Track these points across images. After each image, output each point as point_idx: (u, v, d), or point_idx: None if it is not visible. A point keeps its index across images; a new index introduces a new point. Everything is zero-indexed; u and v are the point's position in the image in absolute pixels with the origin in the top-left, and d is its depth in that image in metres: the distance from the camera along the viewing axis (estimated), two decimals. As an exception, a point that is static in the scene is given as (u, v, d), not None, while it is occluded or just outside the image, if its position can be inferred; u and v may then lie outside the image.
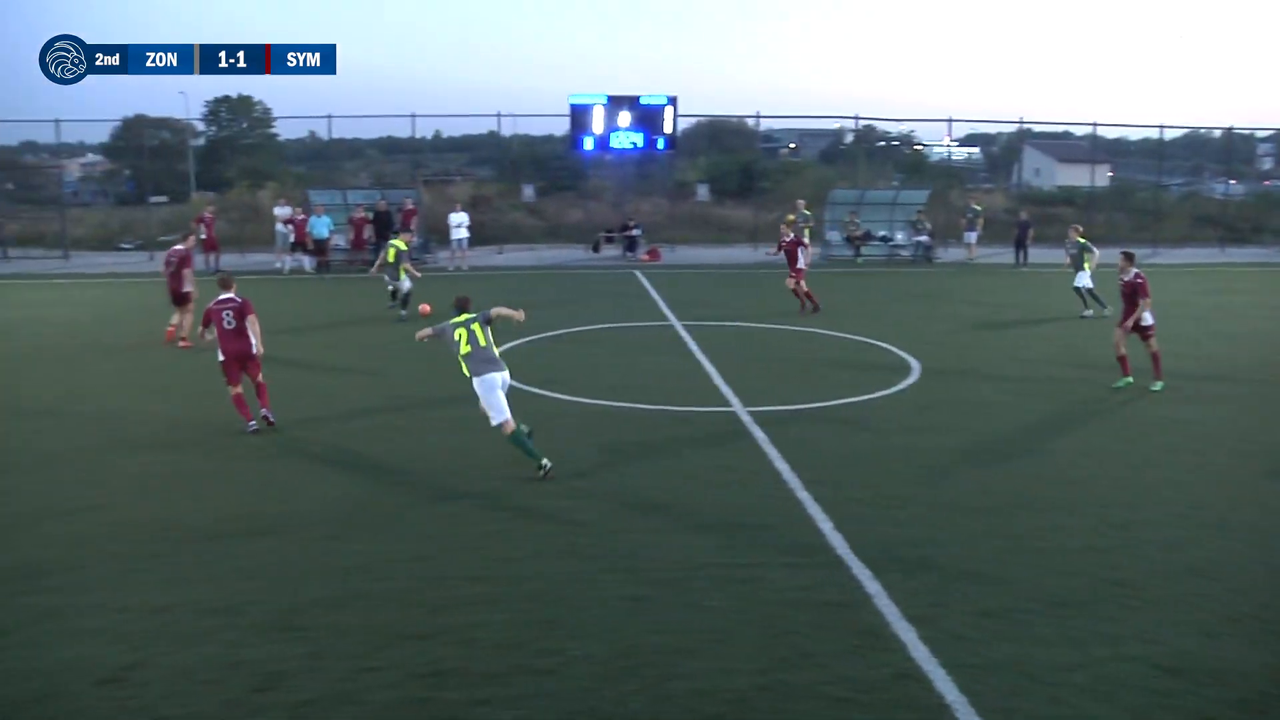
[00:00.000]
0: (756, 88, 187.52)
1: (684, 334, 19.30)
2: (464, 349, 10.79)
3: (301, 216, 30.23)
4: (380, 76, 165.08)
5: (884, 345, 18.13)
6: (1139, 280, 14.76)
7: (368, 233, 29.95)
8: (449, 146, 67.34)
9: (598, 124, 33.84)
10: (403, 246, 21.41)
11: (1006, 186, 52.59)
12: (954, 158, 54.97)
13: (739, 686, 6.37)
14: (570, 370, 15.97)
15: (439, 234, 32.67)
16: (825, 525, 9.13)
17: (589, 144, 34.39)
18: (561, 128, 36.60)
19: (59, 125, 37.42)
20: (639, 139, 34.14)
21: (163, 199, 41.26)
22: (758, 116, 43.52)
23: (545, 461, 10.53)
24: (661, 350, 17.88)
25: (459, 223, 30.50)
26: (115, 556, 8.61)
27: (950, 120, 44.66)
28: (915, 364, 16.47)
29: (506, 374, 10.93)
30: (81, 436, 12.44)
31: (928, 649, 6.78)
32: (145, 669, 6.68)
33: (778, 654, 6.79)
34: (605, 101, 33.81)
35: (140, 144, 46.22)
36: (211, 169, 52.53)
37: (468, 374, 10.83)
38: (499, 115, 43.78)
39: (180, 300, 18.35)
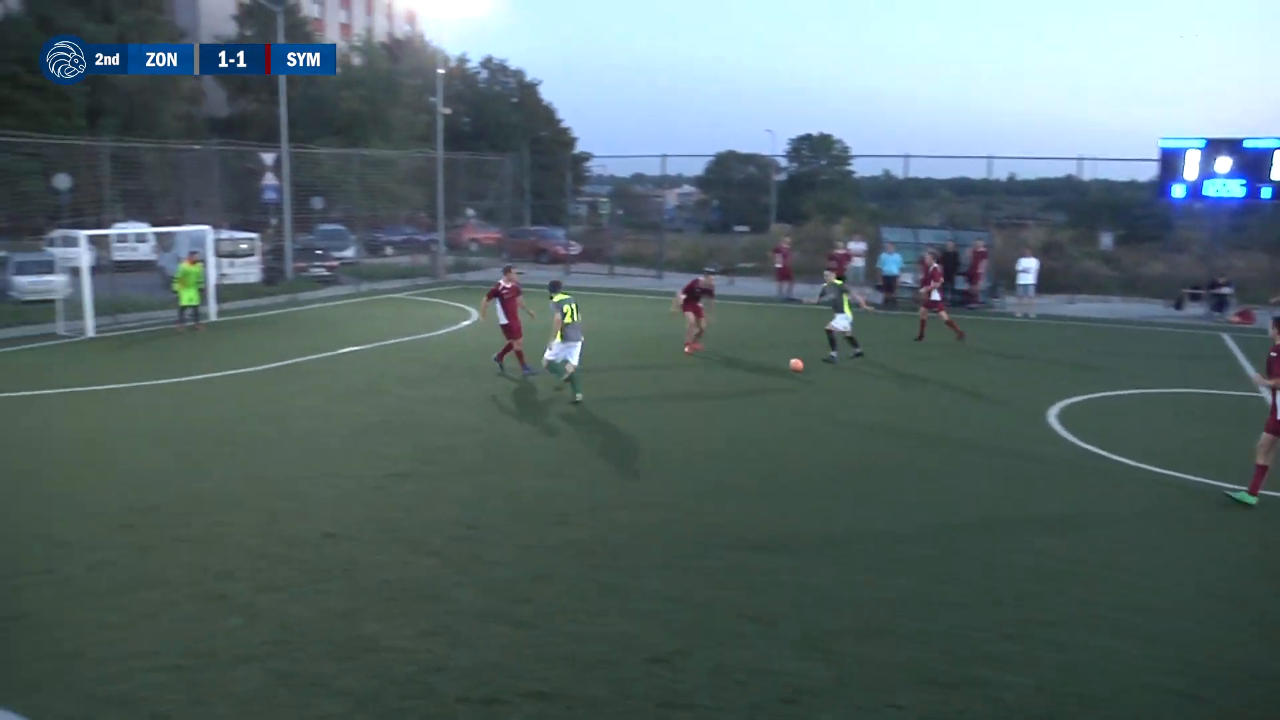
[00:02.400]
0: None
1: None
2: (567, 320, 16.05)
3: (841, 252, 31.19)
4: (958, 118, 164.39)
5: None
6: None
7: (935, 273, 30.05)
8: (1023, 189, 65.17)
9: (1190, 169, 30.83)
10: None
11: None
12: None
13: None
14: (1137, 434, 14.83)
15: (1007, 279, 31.89)
16: None
17: (1179, 191, 31.49)
18: (1147, 172, 33.96)
19: (665, 160, 41.87)
20: (1239, 187, 30.69)
21: (745, 228, 44.53)
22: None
23: (580, 396, 15.85)
24: (1248, 422, 15.98)
25: (1026, 268, 29.58)
26: (669, 548, 9.56)
27: None
28: None
29: (582, 341, 16.38)
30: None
31: None
32: (686, 658, 7.37)
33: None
34: (1202, 145, 30.84)
35: (729, 177, 50.11)
36: (790, 202, 55.64)
37: (560, 337, 16.00)
38: (1079, 159, 41.75)
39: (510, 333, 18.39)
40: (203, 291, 24.57)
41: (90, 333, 23.10)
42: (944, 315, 23.32)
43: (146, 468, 12.33)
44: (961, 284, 30.37)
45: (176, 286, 23.70)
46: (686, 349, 20.86)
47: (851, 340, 20.28)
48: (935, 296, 23.33)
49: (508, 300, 18.22)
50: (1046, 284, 31.85)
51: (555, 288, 16.97)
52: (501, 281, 18.47)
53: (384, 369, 18.99)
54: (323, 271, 35.81)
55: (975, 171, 50.49)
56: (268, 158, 34.93)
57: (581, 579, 8.85)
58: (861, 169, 75.29)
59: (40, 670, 7.15)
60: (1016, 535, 10.29)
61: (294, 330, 24.61)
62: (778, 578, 8.92)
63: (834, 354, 19.96)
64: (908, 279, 30.90)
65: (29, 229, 37.69)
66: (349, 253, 39.79)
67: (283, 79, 34.63)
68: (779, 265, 32.30)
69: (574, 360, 16.26)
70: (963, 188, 56.26)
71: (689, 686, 6.98)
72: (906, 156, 37.69)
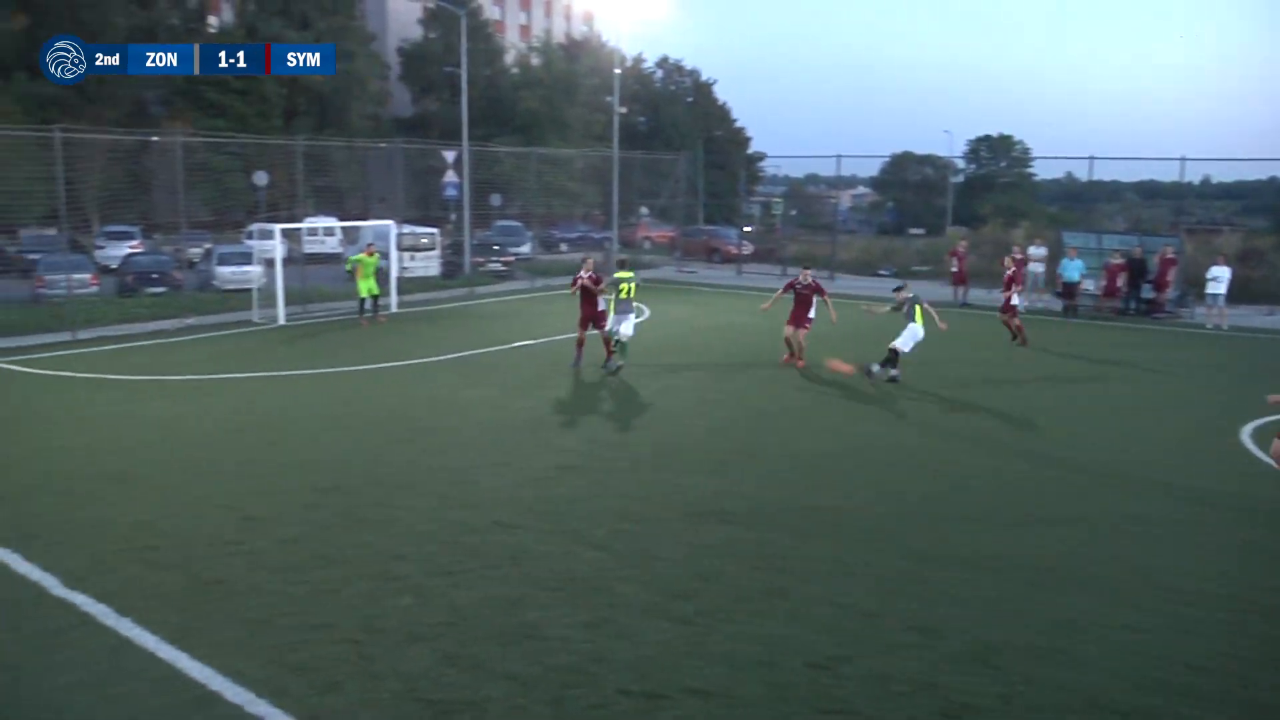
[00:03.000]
0: None
1: None
2: (622, 295, 18.42)
3: (1019, 257, 30.00)
4: (1147, 117, 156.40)
5: None
6: None
7: (1121, 280, 28.72)
8: (1218, 193, 61.55)
9: None
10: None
11: None
12: None
13: None
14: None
15: (1197, 287, 30.15)
16: None
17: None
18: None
19: (839, 160, 41.38)
20: None
21: (920, 231, 43.53)
22: None
23: (620, 364, 18.20)
24: None
25: (1217, 276, 27.80)
26: (834, 553, 9.42)
27: None
28: None
29: (633, 316, 18.95)
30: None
31: None
32: (848, 664, 7.25)
33: None
34: None
35: (904, 178, 49.15)
36: (967, 205, 54.14)
37: (613, 311, 18.45)
38: (1286, 160, 39.04)
39: (590, 322, 18.55)
40: (382, 281, 25.61)
41: (281, 320, 24.44)
42: (1015, 321, 22.48)
43: (329, 450, 12.94)
44: (1148, 292, 28.89)
45: (351, 272, 24.84)
46: (783, 359, 19.40)
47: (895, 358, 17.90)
48: (1015, 301, 22.50)
49: (587, 290, 18.43)
50: (1242, 294, 29.90)
51: (621, 265, 20.30)
52: (581, 273, 18.61)
53: (556, 363, 19.37)
54: (499, 267, 36.82)
55: (1165, 174, 48.00)
56: (449, 155, 36.14)
57: (744, 579, 8.81)
58: (1042, 171, 72.51)
59: (233, 634, 7.61)
60: (1211, 563, 9.70)
61: (470, 323, 25.39)
62: (947, 589, 8.66)
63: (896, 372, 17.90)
64: (1089, 285, 29.60)
65: (230, 222, 40.07)
66: (525, 249, 40.77)
67: (464, 80, 35.77)
68: (954, 269, 31.44)
69: (625, 330, 18.67)
70: (1151, 191, 53.62)
71: (848, 693, 6.86)
72: (1091, 158, 35.94)
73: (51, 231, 29.77)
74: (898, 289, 18.81)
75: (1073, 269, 28.59)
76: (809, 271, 19.52)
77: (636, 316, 20.06)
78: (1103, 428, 14.93)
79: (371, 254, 25.05)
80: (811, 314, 19.09)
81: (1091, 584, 8.87)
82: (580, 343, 18.86)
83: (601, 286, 18.46)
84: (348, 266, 25.30)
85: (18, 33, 49.15)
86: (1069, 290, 28.73)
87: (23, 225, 33.63)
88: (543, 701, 6.71)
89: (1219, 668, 7.37)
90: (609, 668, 7.14)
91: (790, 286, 19.42)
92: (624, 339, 18.74)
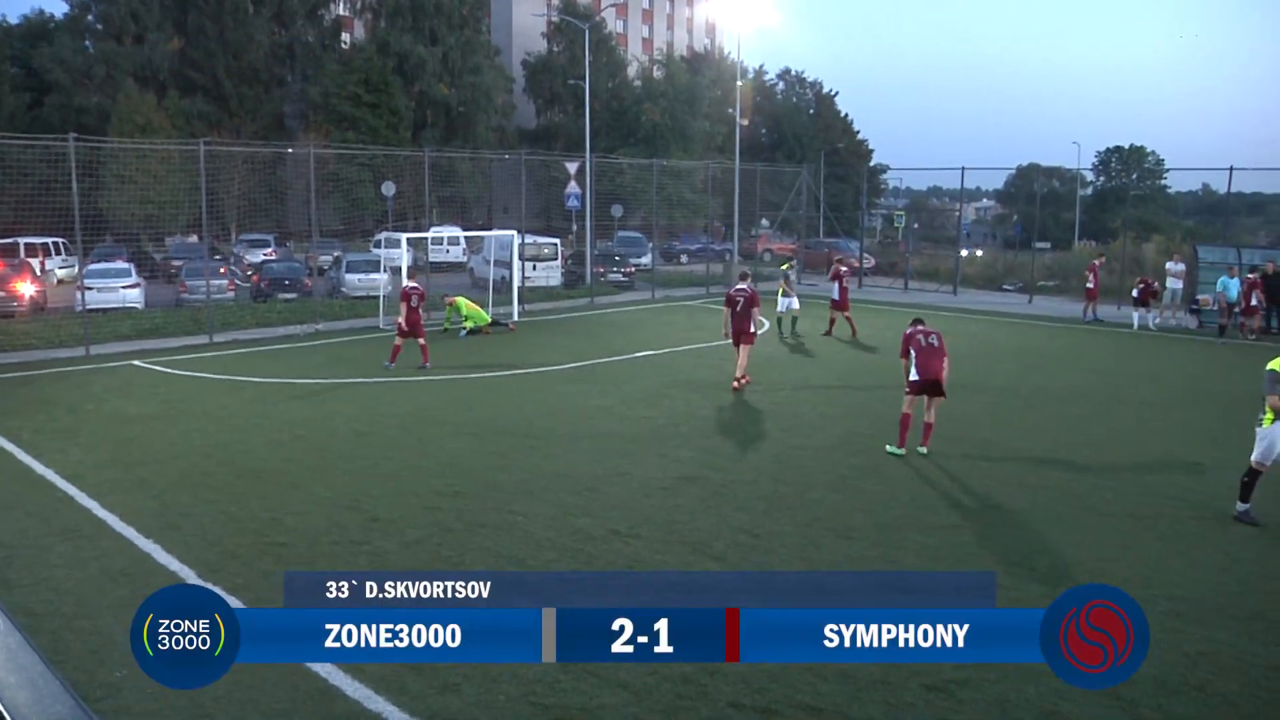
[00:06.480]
0: None
1: None
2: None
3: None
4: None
5: None
6: None
7: (1256, 298, 27.29)
8: (1370, 204, 58.35)
9: None
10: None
11: None
12: None
13: None
14: None
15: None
16: None
17: None
18: None
19: (963, 172, 40.45)
20: None
21: (1046, 245, 42.39)
22: None
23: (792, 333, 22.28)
24: None
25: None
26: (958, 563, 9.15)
27: None
28: None
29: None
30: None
31: None
32: (967, 688, 6.99)
33: None
34: None
35: (1031, 191, 47.95)
36: (1097, 218, 52.57)
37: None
38: None
39: (740, 340, 17.60)
40: (500, 290, 25.79)
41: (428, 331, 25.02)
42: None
43: (452, 455, 13.16)
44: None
45: (454, 318, 24.93)
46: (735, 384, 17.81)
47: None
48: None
49: (741, 308, 17.65)
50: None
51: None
52: (740, 285, 18.06)
53: (675, 374, 19.38)
54: (620, 277, 37.06)
55: (1313, 185, 45.42)
56: (571, 166, 36.57)
57: (863, 595, 8.63)
58: (1177, 183, 69.95)
59: (354, 634, 7.77)
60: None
61: (591, 333, 25.60)
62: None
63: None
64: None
65: (360, 231, 41.30)
66: (645, 260, 40.97)
67: (587, 93, 36.17)
68: (1090, 285, 30.42)
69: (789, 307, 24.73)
70: (1296, 203, 51.16)
71: (967, 718, 6.65)
72: (1230, 169, 34.12)
73: (194, 239, 31.16)
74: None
75: (1233, 287, 27.18)
76: (747, 280, 18.29)
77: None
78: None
79: (450, 302, 25.25)
80: (754, 328, 17.78)
81: (1236, 623, 8.42)
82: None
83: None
84: (445, 325, 25.16)
85: (173, 54, 51.78)
86: (1228, 310, 27.31)
87: (169, 233, 35.30)
88: (656, 711, 6.67)
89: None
90: (723, 680, 7.06)
91: (730, 301, 17.91)
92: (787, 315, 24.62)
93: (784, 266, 25.26)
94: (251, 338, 23.87)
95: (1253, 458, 10.54)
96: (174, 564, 9.11)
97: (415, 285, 20.33)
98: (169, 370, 19.40)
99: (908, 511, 11.11)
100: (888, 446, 13.46)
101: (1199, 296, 28.76)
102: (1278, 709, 6.90)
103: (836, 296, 25.11)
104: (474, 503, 11.06)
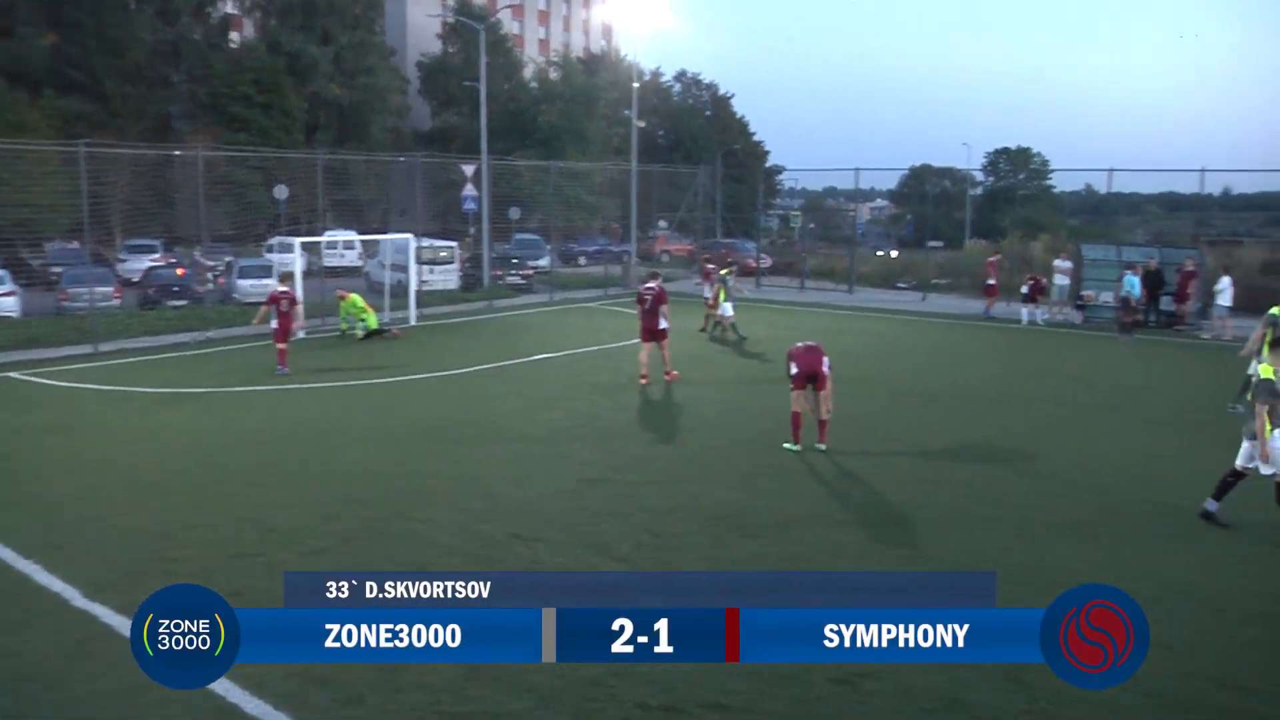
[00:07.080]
0: None
1: None
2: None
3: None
4: (1168, 129, 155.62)
5: None
6: None
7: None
8: (1240, 205, 61.08)
9: None
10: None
11: None
12: None
13: None
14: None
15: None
16: None
17: None
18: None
19: (858, 173, 41.23)
20: None
21: (939, 244, 43.41)
22: None
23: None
24: None
25: (1222, 288, 27.47)
26: (859, 569, 9.31)
27: None
28: None
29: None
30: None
31: None
32: (873, 679, 7.14)
33: None
34: None
35: (923, 191, 49.11)
36: (988, 217, 54.06)
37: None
38: (1312, 171, 38.67)
39: (655, 336, 18.13)
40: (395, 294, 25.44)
41: (301, 334, 24.44)
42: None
43: (352, 462, 12.93)
44: (1168, 305, 28.65)
45: (351, 320, 24.81)
46: (666, 377, 18.45)
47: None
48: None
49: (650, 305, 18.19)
50: (1265, 306, 29.48)
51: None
52: (649, 284, 18.51)
53: (578, 376, 19.35)
54: (518, 279, 36.88)
55: (1187, 186, 47.53)
56: (468, 169, 36.23)
57: (767, 592, 8.71)
58: (1062, 183, 72.41)
59: (252, 649, 7.56)
60: None
61: (491, 336, 25.40)
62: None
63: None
64: (1107, 298, 29.32)
65: (252, 235, 40.30)
66: (543, 262, 40.83)
67: (483, 94, 35.90)
68: (991, 281, 31.24)
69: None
70: (1172, 203, 53.31)
71: (873, 709, 6.78)
72: (1111, 170, 35.63)
73: (75, 245, 30.00)
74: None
75: (1135, 285, 27.91)
76: (657, 279, 18.66)
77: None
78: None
79: (343, 297, 25.06)
80: (664, 324, 17.99)
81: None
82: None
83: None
84: (342, 327, 25.16)
85: (47, 49, 49.74)
86: (1132, 308, 27.96)
87: (48, 238, 33.93)
88: (563, 715, 6.67)
89: None
90: (630, 681, 7.07)
91: (639, 299, 18.42)
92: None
93: (723, 273, 25.29)
94: (140, 346, 23.09)
95: (1238, 461, 10.40)
96: (56, 584, 8.73)
97: (285, 290, 20.39)
98: (51, 381, 18.64)
99: (809, 508, 11.28)
100: (785, 444, 13.66)
101: (1083, 292, 29.78)
102: (1161, 685, 7.15)
103: (709, 295, 25.87)
104: (375, 510, 10.88)
